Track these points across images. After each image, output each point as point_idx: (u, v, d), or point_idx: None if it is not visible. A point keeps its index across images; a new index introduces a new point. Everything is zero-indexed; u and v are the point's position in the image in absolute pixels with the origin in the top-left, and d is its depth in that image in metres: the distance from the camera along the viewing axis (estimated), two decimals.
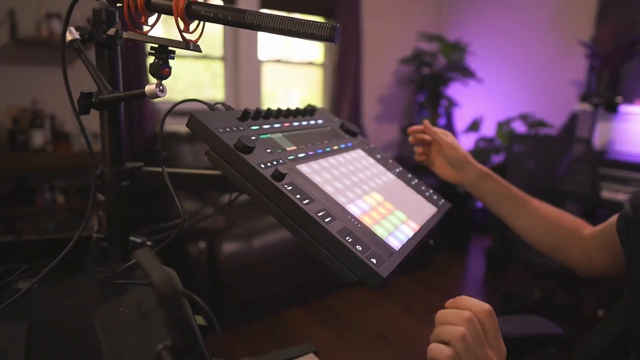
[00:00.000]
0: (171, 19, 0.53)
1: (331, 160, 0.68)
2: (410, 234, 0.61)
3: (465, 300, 0.51)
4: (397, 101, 4.17)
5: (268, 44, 3.43)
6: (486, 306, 0.49)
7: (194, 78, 3.39)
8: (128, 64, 2.63)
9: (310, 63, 3.79)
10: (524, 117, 3.29)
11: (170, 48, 0.57)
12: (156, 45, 0.57)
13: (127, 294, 0.67)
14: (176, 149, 2.70)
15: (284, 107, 0.72)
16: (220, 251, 2.22)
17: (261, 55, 3.40)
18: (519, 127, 3.41)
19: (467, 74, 3.55)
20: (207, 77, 3.42)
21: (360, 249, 0.50)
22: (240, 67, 3.30)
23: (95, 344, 0.53)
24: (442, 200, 0.78)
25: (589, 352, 0.69)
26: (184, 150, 2.71)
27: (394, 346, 2.20)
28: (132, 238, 0.78)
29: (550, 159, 2.50)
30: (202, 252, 2.16)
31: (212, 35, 3.29)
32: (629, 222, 0.30)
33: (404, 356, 2.14)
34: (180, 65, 3.23)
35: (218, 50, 3.31)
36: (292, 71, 3.76)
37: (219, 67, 3.34)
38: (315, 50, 3.78)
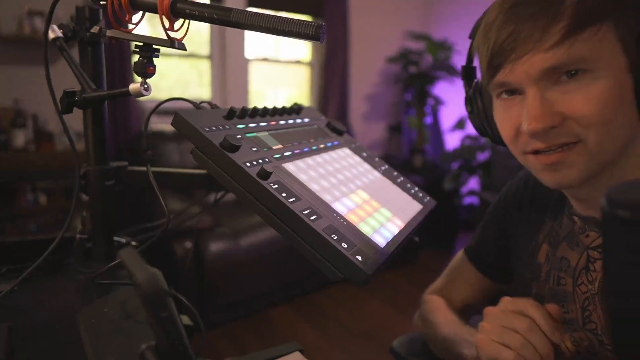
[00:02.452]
0: (157, 16, 0.52)
1: (317, 158, 0.68)
2: (396, 231, 0.62)
3: (529, 306, 0.54)
4: (384, 100, 4.19)
5: (255, 42, 3.42)
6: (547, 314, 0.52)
7: (180, 76, 3.37)
8: (113, 62, 2.60)
9: (298, 62, 3.79)
10: None
11: (155, 46, 0.56)
12: (141, 44, 0.56)
13: (111, 294, 0.66)
14: (162, 148, 2.68)
15: (270, 106, 0.72)
16: (207, 250, 2.21)
17: (248, 53, 3.38)
18: None
19: (453, 72, 3.59)
20: (194, 75, 3.40)
21: (346, 246, 0.51)
22: (228, 66, 3.28)
23: (79, 346, 0.52)
24: (428, 198, 0.79)
25: None
26: (170, 150, 2.69)
27: (379, 343, 2.21)
28: (116, 238, 0.78)
29: None
30: (188, 251, 2.15)
31: (199, 33, 3.27)
32: (605, 217, 0.31)
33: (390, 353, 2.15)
34: (166, 63, 3.20)
35: (205, 49, 3.28)
36: (279, 70, 3.75)
37: (205, 66, 3.32)
38: (302, 49, 3.78)
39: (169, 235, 2.14)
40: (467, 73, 0.67)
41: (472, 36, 0.61)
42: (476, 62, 0.62)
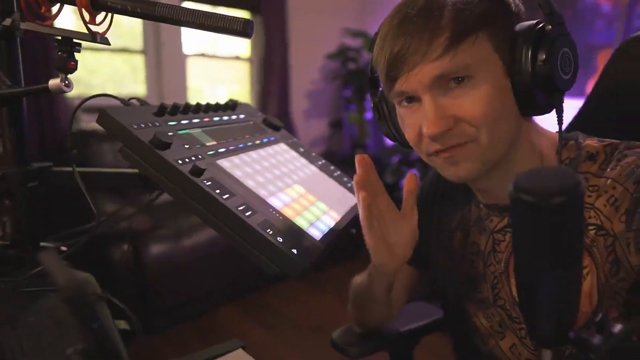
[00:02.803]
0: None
1: (253, 154, 0.68)
2: (332, 224, 0.63)
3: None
4: (324, 96, 4.22)
5: (193, 37, 3.32)
6: None
7: (114, 72, 3.21)
8: (35, 56, 2.43)
9: (237, 57, 3.73)
10: None
11: (75, 40, 0.54)
12: (59, 38, 0.53)
13: (38, 302, 0.63)
14: (95, 148, 2.54)
15: (204, 102, 0.71)
16: (147, 253, 2.14)
17: (186, 49, 3.28)
18: None
19: None
20: (128, 71, 3.25)
21: (281, 240, 0.51)
22: (163, 61, 3.17)
23: (5, 358, 0.49)
24: None
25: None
26: (103, 149, 2.56)
27: (329, 336, 2.24)
28: (43, 244, 0.74)
29: None
30: (125, 255, 2.06)
31: (131, 26, 3.12)
32: (512, 202, 0.34)
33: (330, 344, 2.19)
34: (96, 58, 3.03)
35: (138, 43, 3.15)
36: (219, 66, 3.68)
37: (140, 61, 3.19)
38: (241, 45, 3.73)
39: (106, 239, 2.05)
40: (372, 83, 0.71)
41: (370, 49, 0.65)
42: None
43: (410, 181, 0.64)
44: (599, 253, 0.57)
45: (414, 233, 0.63)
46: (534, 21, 0.57)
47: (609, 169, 0.58)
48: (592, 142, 0.62)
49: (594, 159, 0.60)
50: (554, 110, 0.58)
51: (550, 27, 0.56)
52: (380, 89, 0.69)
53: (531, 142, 0.63)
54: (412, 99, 0.59)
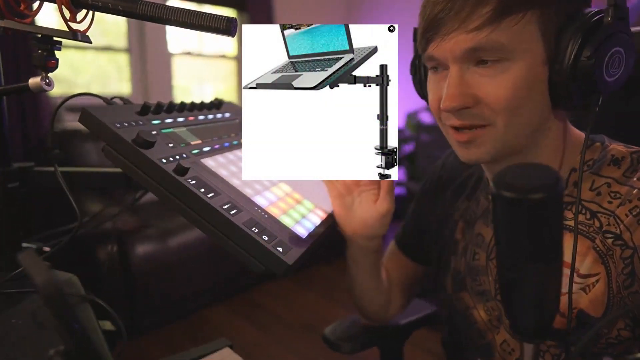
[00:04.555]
0: None
1: (238, 153, 0.68)
2: (318, 221, 0.63)
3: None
4: None
5: (178, 35, 3.29)
6: None
7: (98, 71, 3.17)
8: (17, 54, 2.39)
9: (223, 56, 3.71)
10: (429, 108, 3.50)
11: (55, 38, 0.53)
12: (39, 35, 0.53)
13: (20, 304, 0.62)
14: (79, 147, 2.51)
15: (188, 101, 0.70)
16: (133, 253, 2.12)
17: (171, 47, 3.25)
18: (426, 118, 3.62)
19: None
20: (113, 70, 3.21)
21: (267, 238, 0.51)
22: (149, 60, 3.13)
23: None
24: None
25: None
26: (88, 149, 2.53)
27: (319, 334, 2.25)
28: (25, 245, 0.72)
29: None
30: (111, 255, 2.04)
31: (116, 24, 3.08)
32: (493, 197, 0.34)
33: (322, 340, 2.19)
34: (81, 57, 2.99)
35: (123, 41, 3.11)
36: (205, 64, 3.65)
37: (125, 60, 3.15)
38: (228, 43, 3.70)
39: (92, 239, 2.02)
40: (416, 37, 0.68)
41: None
42: None
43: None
44: (613, 263, 0.55)
45: (383, 217, 0.64)
46: (593, 9, 0.53)
47: (635, 178, 0.55)
48: (618, 147, 0.59)
49: (619, 164, 0.57)
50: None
51: (609, 19, 0.50)
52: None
53: (556, 136, 0.59)
54: (439, 67, 0.57)
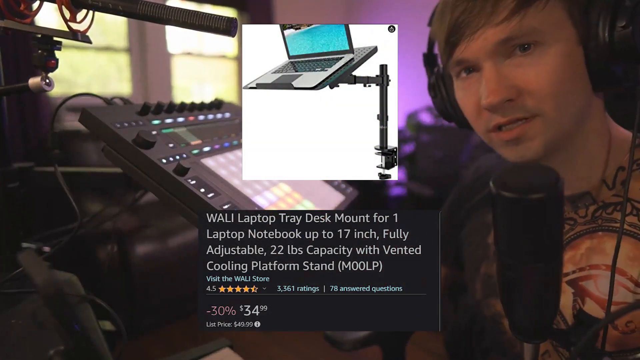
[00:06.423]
0: None
1: (238, 153, 0.68)
2: None
3: None
4: None
5: (179, 35, 3.30)
6: None
7: (99, 71, 3.17)
8: (17, 54, 2.39)
9: (223, 56, 3.71)
10: (430, 109, 3.50)
11: (55, 38, 0.53)
12: (39, 35, 0.53)
13: (20, 304, 0.62)
14: (80, 148, 2.51)
15: (188, 101, 0.71)
16: (133, 253, 2.12)
17: (172, 47, 3.25)
18: (426, 118, 3.62)
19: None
20: (113, 70, 3.21)
21: None
22: (149, 60, 3.14)
23: None
24: (350, 189, 0.81)
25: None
26: (88, 149, 2.53)
27: (319, 334, 2.25)
28: (25, 245, 0.73)
29: (454, 148, 2.70)
30: (112, 255, 2.04)
31: (116, 24, 3.09)
32: (493, 198, 0.34)
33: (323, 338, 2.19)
34: (81, 57, 2.99)
35: (123, 41, 3.11)
36: (205, 64, 3.65)
37: (125, 60, 3.15)
38: (228, 43, 3.71)
39: (92, 239, 2.03)
40: (429, 60, 0.67)
41: (430, 23, 0.62)
42: (436, 50, 0.63)
43: None
44: None
45: None
46: None
47: None
48: None
49: None
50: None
51: None
52: (437, 67, 0.65)
53: (601, 125, 0.56)
54: (471, 69, 0.55)
